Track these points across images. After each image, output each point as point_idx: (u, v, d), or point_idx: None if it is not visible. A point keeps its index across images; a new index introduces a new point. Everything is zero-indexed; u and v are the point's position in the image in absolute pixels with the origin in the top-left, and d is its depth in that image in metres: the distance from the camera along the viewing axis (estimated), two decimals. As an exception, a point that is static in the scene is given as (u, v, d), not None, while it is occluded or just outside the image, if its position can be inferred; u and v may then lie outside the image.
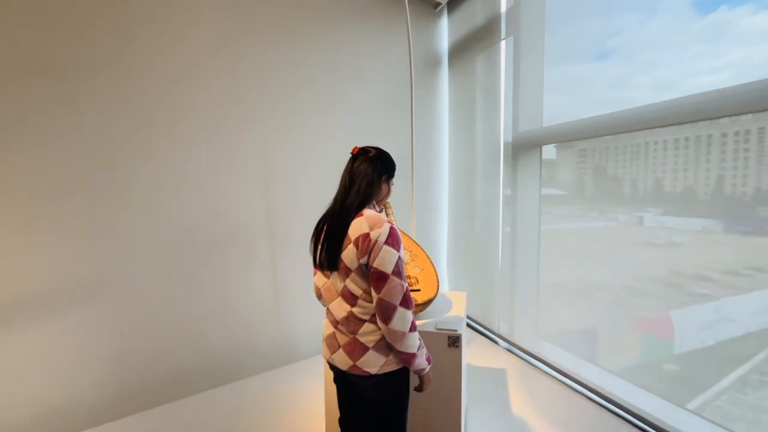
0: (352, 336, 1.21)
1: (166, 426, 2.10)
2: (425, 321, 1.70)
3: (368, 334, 1.19)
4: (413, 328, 1.16)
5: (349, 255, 1.16)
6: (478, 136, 3.21)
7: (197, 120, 2.38)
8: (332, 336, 1.26)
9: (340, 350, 1.23)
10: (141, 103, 2.19)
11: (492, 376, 2.52)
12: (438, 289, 1.78)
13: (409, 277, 1.78)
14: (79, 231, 2.05)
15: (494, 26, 2.97)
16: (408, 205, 3.08)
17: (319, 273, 1.29)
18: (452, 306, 1.90)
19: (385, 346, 1.19)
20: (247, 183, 2.58)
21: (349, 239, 1.17)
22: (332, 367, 1.29)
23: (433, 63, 3.51)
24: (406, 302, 1.13)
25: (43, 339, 1.98)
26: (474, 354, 2.85)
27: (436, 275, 1.83)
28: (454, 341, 1.56)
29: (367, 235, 1.14)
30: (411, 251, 1.88)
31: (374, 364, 1.19)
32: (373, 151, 1.31)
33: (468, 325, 3.41)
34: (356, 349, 1.20)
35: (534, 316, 2.74)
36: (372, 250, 1.13)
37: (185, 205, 2.36)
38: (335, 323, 1.25)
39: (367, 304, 1.18)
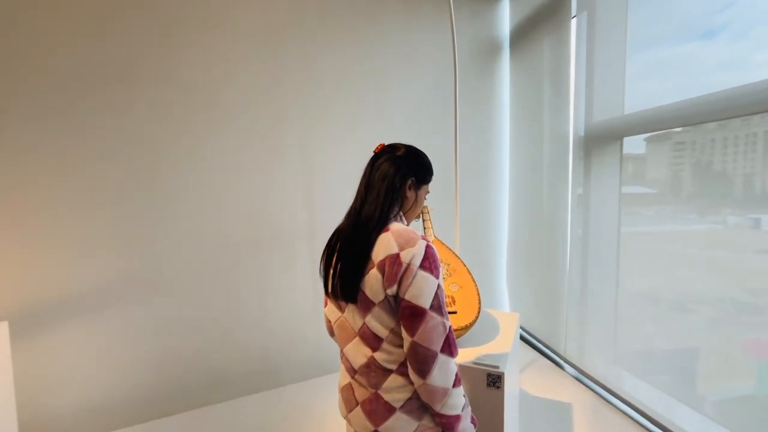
0: (373, 391, 0.94)
1: (202, 429, 2.09)
2: (461, 350, 1.43)
3: (395, 390, 0.91)
4: (458, 382, 0.90)
5: (372, 283, 0.90)
6: (545, 130, 2.80)
7: (237, 124, 2.35)
8: (348, 388, 1.00)
9: (358, 409, 0.96)
10: (182, 109, 2.21)
11: (553, 411, 2.14)
12: (479, 312, 1.50)
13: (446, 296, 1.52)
14: (124, 236, 2.11)
15: (563, 2, 2.55)
16: (451, 210, 2.79)
17: (331, 303, 1.04)
18: (499, 330, 1.60)
19: (419, 407, 0.92)
20: (287, 186, 2.50)
21: (372, 263, 0.90)
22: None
23: (492, 49, 3.15)
24: (449, 347, 0.87)
25: (93, 336, 2.07)
26: (533, 380, 2.47)
27: (478, 294, 1.55)
28: (495, 381, 1.28)
29: (396, 257, 0.87)
30: (449, 264, 1.62)
31: (402, 430, 0.92)
32: (402, 149, 1.05)
33: (529, 343, 3.01)
34: (379, 409, 0.92)
35: (610, 336, 2.28)
36: (403, 276, 0.86)
37: (226, 210, 2.34)
38: (352, 371, 0.99)
39: (395, 350, 0.91)
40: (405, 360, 0.91)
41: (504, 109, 3.23)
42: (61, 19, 1.94)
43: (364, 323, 0.93)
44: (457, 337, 1.47)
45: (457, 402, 0.89)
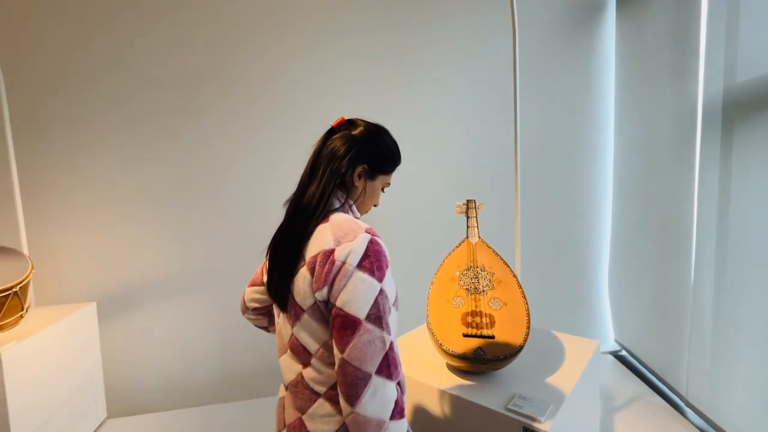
0: (299, 416, 0.77)
1: (261, 417, 2.11)
2: (496, 387, 1.10)
3: (321, 420, 0.73)
4: (398, 413, 0.68)
5: (299, 285, 0.74)
6: (664, 101, 2.16)
7: (291, 120, 2.32)
8: (281, 403, 0.84)
9: (285, 430, 0.80)
10: (240, 108, 2.25)
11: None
12: (527, 336, 1.14)
13: (478, 314, 1.20)
14: (194, 230, 2.25)
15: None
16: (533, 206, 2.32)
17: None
18: (562, 364, 1.21)
19: None
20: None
21: (304, 260, 0.74)
22: None
23: (590, 4, 2.56)
24: (388, 368, 0.67)
25: (166, 320, 2.25)
26: (637, 424, 1.92)
27: (527, 314, 1.18)
28: (533, 436, 0.93)
29: (329, 253, 0.71)
30: (493, 274, 1.28)
31: None
32: (361, 127, 0.85)
33: (637, 373, 2.39)
34: None
35: (762, 375, 1.62)
36: (336, 277, 0.69)
37: (280, 204, 2.33)
38: (285, 386, 0.83)
39: (326, 369, 0.74)
40: (336, 382, 0.72)
41: (606, 78, 2.60)
42: (142, 29, 2.13)
43: (293, 333, 0.77)
44: (497, 369, 1.14)
45: None
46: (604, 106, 2.62)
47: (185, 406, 2.28)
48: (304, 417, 0.76)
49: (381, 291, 0.69)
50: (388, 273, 0.73)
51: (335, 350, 0.69)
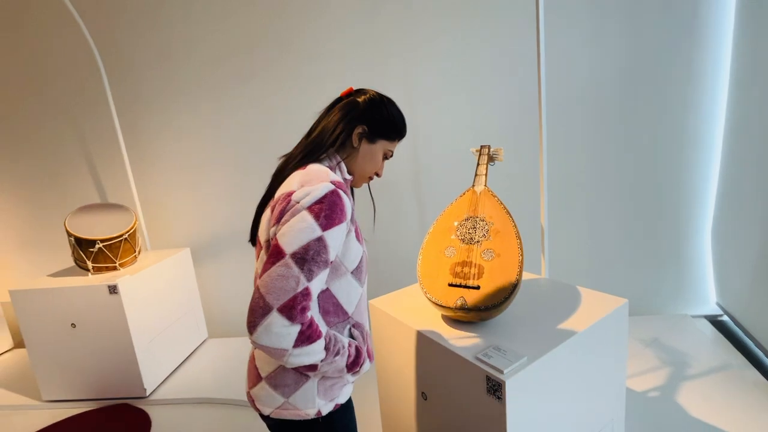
0: (252, 351, 0.88)
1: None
2: (473, 338, 1.08)
3: (265, 358, 0.82)
4: (305, 339, 0.68)
5: (263, 222, 0.81)
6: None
7: (329, 66, 2.35)
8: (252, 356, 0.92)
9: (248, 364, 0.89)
10: (292, 73, 2.37)
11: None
12: (514, 290, 1.07)
13: (468, 264, 1.15)
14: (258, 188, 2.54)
15: None
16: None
17: None
18: (568, 318, 1.11)
19: (292, 382, 0.79)
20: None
21: (273, 200, 0.80)
22: None
23: None
24: (292, 310, 0.65)
25: (244, 265, 2.65)
26: (726, 404, 1.66)
27: (519, 265, 1.10)
28: (495, 388, 0.91)
29: (289, 195, 0.74)
30: (492, 223, 1.20)
31: (266, 402, 0.81)
32: (367, 95, 0.88)
33: (737, 342, 2.01)
34: (251, 370, 0.86)
35: None
36: (285, 214, 0.72)
37: None
38: None
39: None
40: None
41: (720, 21, 1.99)
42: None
43: (256, 270, 0.82)
44: (484, 320, 1.11)
45: (308, 359, 0.71)
46: (718, 56, 2.04)
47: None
48: (255, 351, 0.86)
49: (320, 239, 0.68)
50: (339, 229, 0.72)
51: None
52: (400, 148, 2.39)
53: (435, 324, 1.17)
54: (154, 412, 2.00)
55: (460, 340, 1.07)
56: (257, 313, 0.65)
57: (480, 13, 2.19)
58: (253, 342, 0.68)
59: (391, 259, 2.51)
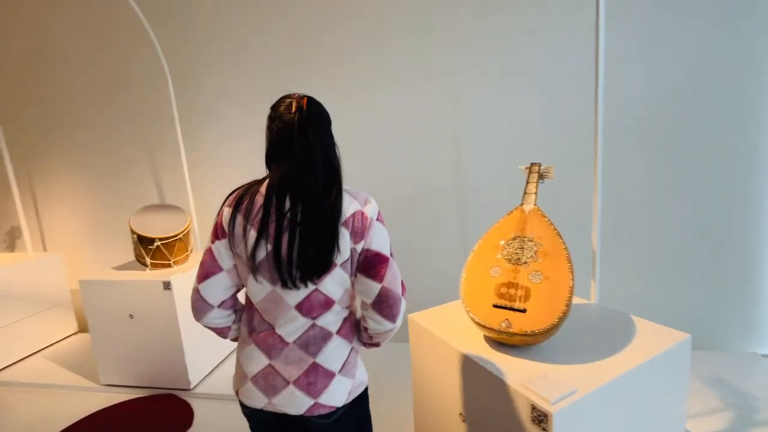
0: (311, 362, 0.87)
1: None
2: (517, 362, 1.04)
3: (335, 352, 0.90)
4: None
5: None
6: None
7: (381, 79, 2.39)
8: (268, 373, 0.89)
9: (290, 388, 0.87)
10: (339, 79, 2.44)
11: None
12: (564, 315, 1.02)
13: (514, 285, 1.12)
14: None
15: None
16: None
17: (254, 280, 0.88)
18: (623, 349, 1.04)
19: (353, 363, 0.93)
20: (433, 142, 2.39)
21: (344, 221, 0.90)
22: (260, 419, 0.94)
23: None
24: (404, 289, 0.91)
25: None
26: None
27: (570, 290, 1.05)
28: (540, 419, 0.87)
29: (363, 214, 0.88)
30: (541, 245, 1.15)
31: (342, 392, 0.90)
32: (315, 102, 0.94)
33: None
34: (318, 378, 0.87)
35: None
36: (367, 229, 0.89)
37: (368, 168, 2.48)
38: (272, 350, 0.89)
39: (342, 310, 0.92)
40: (351, 316, 0.97)
41: None
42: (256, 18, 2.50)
43: (310, 294, 0.89)
44: (527, 344, 1.06)
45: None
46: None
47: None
48: (317, 359, 0.87)
49: (388, 237, 0.91)
50: None
51: (367, 282, 0.87)
52: (443, 162, 2.38)
53: (477, 345, 1.14)
54: (196, 405, 2.09)
55: (504, 363, 1.04)
56: (397, 304, 0.88)
57: (534, 24, 2.15)
58: (393, 329, 0.90)
59: (428, 272, 2.49)
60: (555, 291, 1.07)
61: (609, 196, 2.10)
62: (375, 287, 0.86)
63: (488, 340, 1.16)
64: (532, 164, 1.34)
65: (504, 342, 1.10)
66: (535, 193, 1.27)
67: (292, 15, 2.45)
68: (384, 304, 0.86)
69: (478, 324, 1.10)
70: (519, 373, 0.99)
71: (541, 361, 1.04)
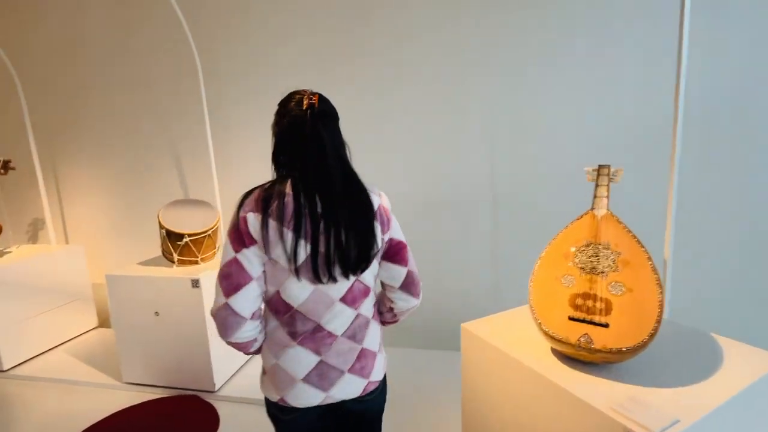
0: (359, 348, 0.95)
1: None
2: (599, 383, 0.94)
3: (374, 334, 0.99)
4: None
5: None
6: None
7: (411, 78, 2.32)
8: (320, 367, 0.90)
9: (346, 376, 0.93)
10: (376, 79, 2.37)
11: None
12: (654, 331, 0.92)
13: (592, 297, 1.02)
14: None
15: None
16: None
17: (297, 281, 0.86)
18: (715, 373, 0.94)
19: (382, 340, 1.03)
20: (467, 143, 2.31)
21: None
22: (307, 420, 0.94)
23: None
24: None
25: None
26: None
27: (660, 305, 0.95)
28: (638, 448, 0.77)
29: (385, 207, 0.97)
30: (620, 253, 1.05)
31: (381, 367, 1.01)
32: (324, 98, 0.94)
33: None
34: (368, 361, 0.96)
35: None
36: (389, 220, 0.98)
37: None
38: (321, 347, 0.90)
39: (373, 296, 1.00)
40: (382, 299, 1.05)
41: None
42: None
43: (352, 285, 0.95)
44: (610, 362, 0.96)
45: None
46: None
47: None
48: (364, 345, 0.95)
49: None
50: None
51: (394, 268, 0.96)
52: (477, 163, 2.30)
53: (545, 360, 1.04)
54: (221, 408, 2.02)
55: (582, 382, 0.94)
56: (419, 283, 1.00)
57: (611, 13, 2.04)
58: (417, 303, 1.00)
59: (457, 275, 2.40)
60: (641, 305, 0.97)
61: (685, 200, 1.97)
62: (402, 271, 0.96)
63: (557, 354, 1.07)
64: (601, 166, 1.24)
65: (581, 359, 1.00)
66: (607, 197, 1.18)
67: (327, 14, 2.38)
68: (411, 285, 0.97)
69: (552, 338, 1.00)
70: (604, 395, 0.89)
71: (623, 381, 0.94)
